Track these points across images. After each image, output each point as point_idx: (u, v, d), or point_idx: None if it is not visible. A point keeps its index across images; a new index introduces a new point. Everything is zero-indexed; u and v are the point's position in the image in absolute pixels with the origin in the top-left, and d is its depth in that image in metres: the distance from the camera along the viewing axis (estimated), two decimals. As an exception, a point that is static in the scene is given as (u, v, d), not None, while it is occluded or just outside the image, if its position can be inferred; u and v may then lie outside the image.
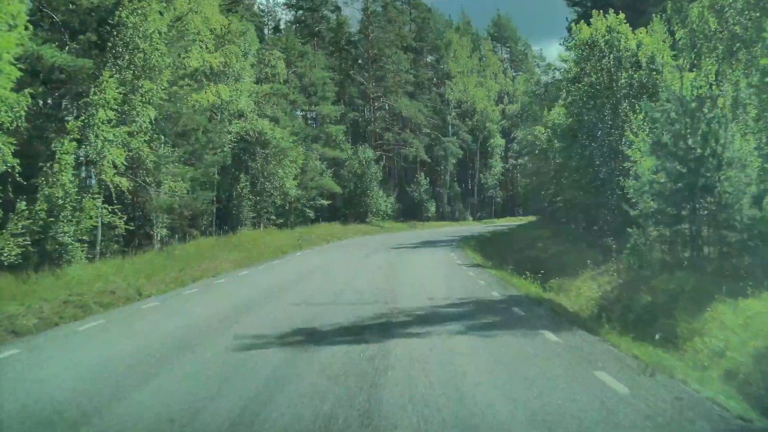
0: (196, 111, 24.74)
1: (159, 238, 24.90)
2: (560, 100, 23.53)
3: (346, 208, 51.29)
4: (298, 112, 46.06)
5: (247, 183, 35.81)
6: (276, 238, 34.05)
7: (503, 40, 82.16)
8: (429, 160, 61.17)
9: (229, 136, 32.56)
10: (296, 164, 38.72)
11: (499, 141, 72.51)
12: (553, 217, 32.37)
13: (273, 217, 39.25)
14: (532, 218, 75.89)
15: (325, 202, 47.71)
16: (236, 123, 33.40)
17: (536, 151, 29.20)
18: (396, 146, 58.29)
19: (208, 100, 25.11)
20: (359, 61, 57.60)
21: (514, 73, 77.33)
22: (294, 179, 39.22)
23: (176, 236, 28.17)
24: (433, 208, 61.82)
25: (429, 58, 66.40)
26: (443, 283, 16.20)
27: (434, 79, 70.34)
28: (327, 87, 46.56)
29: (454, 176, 68.46)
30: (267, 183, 37.46)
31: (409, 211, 60.08)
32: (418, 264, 21.72)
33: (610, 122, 19.66)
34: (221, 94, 25.93)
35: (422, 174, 61.49)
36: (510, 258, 22.84)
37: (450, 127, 66.32)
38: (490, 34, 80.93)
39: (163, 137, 23.23)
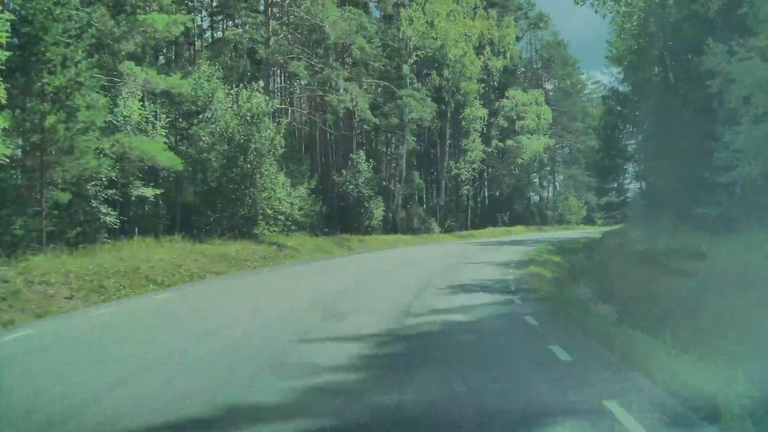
0: None
1: None
2: None
3: (209, 209, 25.24)
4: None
5: None
6: None
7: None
8: (377, 122, 35.24)
9: None
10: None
11: (479, 111, 47.77)
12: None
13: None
14: (529, 228, 51.96)
15: (151, 194, 21.70)
16: None
17: None
18: (315, 93, 32.27)
19: None
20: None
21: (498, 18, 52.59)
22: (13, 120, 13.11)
23: None
24: (379, 212, 36.12)
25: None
26: None
27: (382, 11, 45.04)
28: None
29: (411, 161, 42.92)
30: None
31: (339, 217, 34.42)
32: None
33: None
34: None
35: (361, 152, 35.70)
36: None
37: (407, 81, 40.80)
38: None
39: None
